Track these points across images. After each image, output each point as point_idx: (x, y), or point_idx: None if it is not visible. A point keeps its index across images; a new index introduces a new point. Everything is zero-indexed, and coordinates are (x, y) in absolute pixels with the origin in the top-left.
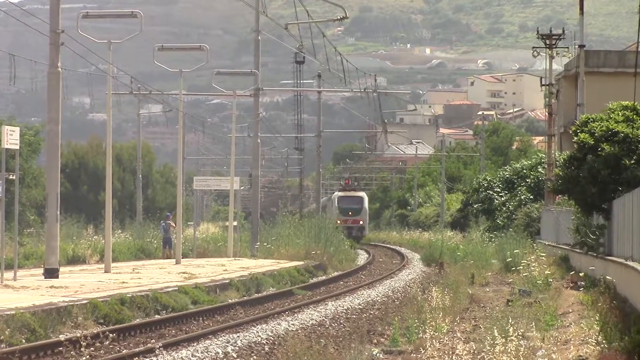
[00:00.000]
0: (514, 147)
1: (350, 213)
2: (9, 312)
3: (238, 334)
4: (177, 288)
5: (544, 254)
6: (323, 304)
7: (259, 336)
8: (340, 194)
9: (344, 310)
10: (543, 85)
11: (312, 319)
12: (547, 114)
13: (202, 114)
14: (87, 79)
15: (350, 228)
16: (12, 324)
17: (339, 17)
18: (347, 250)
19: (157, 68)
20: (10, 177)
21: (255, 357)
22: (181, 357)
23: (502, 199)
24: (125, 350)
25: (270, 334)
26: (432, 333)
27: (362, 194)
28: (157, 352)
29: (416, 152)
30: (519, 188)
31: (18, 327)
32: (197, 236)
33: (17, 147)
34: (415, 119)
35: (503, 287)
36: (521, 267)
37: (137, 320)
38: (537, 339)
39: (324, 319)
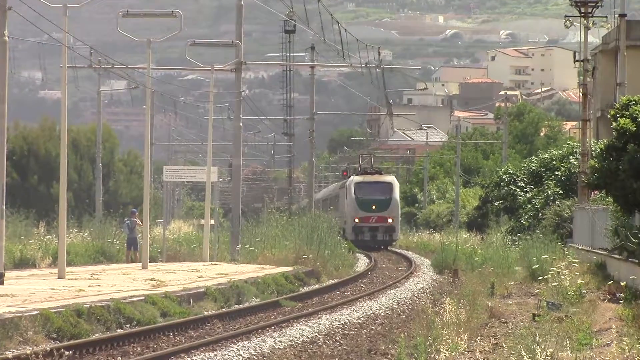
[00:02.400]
0: (541, 134)
1: (374, 207)
2: None
3: (215, 352)
4: (143, 297)
5: (576, 260)
6: (316, 317)
7: (240, 355)
8: (359, 178)
9: (341, 325)
10: (577, 61)
11: (303, 335)
12: (581, 94)
13: (174, 92)
14: (39, 49)
15: (374, 229)
16: None
17: None
18: (344, 254)
19: (121, 37)
20: None
21: None
22: None
23: (528, 195)
24: None
25: (253, 352)
26: (445, 353)
27: (391, 178)
28: None
29: (427, 138)
30: (547, 182)
31: None
32: (168, 236)
33: None
34: (426, 99)
35: (528, 299)
36: (550, 276)
37: (97, 335)
38: None
39: (316, 336)
